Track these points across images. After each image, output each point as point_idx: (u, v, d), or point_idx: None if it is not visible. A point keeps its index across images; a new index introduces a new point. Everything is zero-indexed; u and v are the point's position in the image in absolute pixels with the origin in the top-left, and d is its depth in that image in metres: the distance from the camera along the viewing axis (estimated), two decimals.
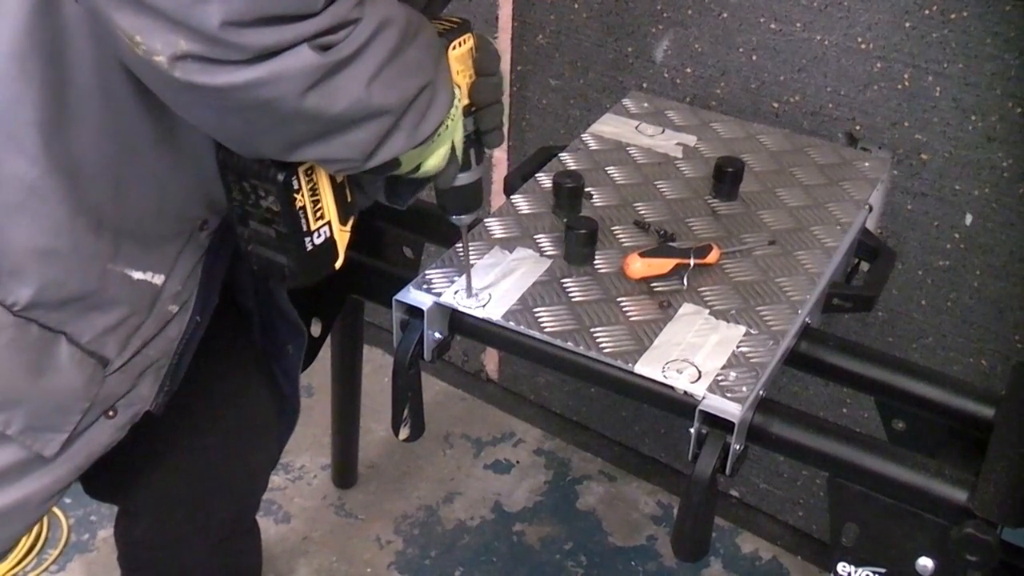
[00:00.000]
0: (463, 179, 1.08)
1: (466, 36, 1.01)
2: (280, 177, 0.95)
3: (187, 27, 0.77)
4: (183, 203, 1.05)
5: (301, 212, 0.98)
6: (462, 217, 1.14)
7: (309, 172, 0.97)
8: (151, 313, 1.07)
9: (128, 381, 1.08)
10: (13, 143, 0.91)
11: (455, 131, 1.01)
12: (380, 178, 1.09)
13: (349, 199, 1.04)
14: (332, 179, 1.00)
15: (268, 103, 0.82)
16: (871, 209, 1.47)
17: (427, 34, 0.94)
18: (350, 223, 1.05)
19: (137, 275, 1.03)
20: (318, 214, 1.00)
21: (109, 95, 0.93)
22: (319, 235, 1.01)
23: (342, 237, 1.04)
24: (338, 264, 1.05)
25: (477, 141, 1.07)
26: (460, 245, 1.26)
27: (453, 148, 1.03)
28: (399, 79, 0.89)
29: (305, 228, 0.99)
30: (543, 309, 1.21)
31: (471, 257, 1.27)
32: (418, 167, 1.01)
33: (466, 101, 1.02)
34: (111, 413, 1.08)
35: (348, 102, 0.85)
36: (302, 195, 0.97)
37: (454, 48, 0.99)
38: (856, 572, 1.14)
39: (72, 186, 0.94)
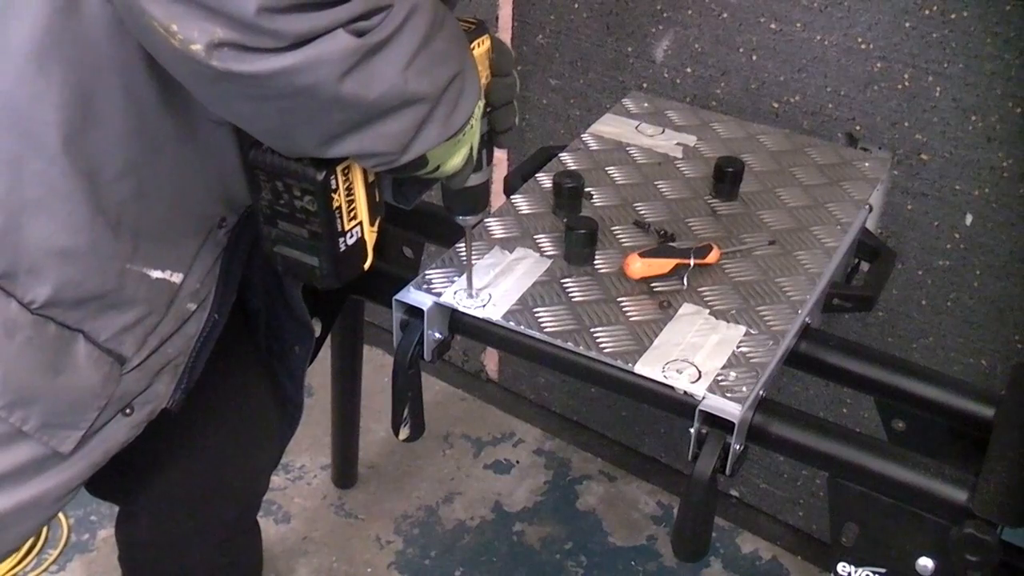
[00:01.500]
0: (473, 180, 1.08)
1: (484, 37, 1.01)
2: (320, 176, 0.94)
3: (223, 14, 0.77)
4: (203, 201, 1.05)
5: (337, 212, 0.97)
6: (468, 218, 1.14)
7: (346, 171, 0.96)
8: (169, 311, 1.07)
9: (145, 379, 1.08)
10: (32, 142, 0.91)
11: (477, 131, 1.01)
12: (389, 176, 1.09)
13: (378, 199, 1.03)
14: (365, 178, 1.00)
15: (306, 89, 0.82)
16: (871, 209, 1.47)
17: (452, 25, 0.94)
18: (377, 223, 1.04)
19: (156, 274, 1.03)
20: (352, 214, 0.99)
21: (132, 97, 0.93)
22: (351, 236, 1.00)
23: (371, 238, 1.03)
24: (367, 265, 1.04)
25: (490, 141, 1.07)
26: (461, 245, 1.26)
27: (471, 151, 1.03)
28: (431, 67, 0.89)
29: (339, 229, 0.98)
30: (543, 309, 1.21)
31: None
32: (438, 168, 1.01)
33: (482, 102, 1.02)
34: (128, 411, 1.08)
35: (384, 88, 0.85)
36: (339, 195, 0.96)
37: (473, 49, 0.99)
38: (856, 572, 1.14)
39: (93, 186, 0.94)
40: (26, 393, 0.98)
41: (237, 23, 0.77)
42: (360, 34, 0.82)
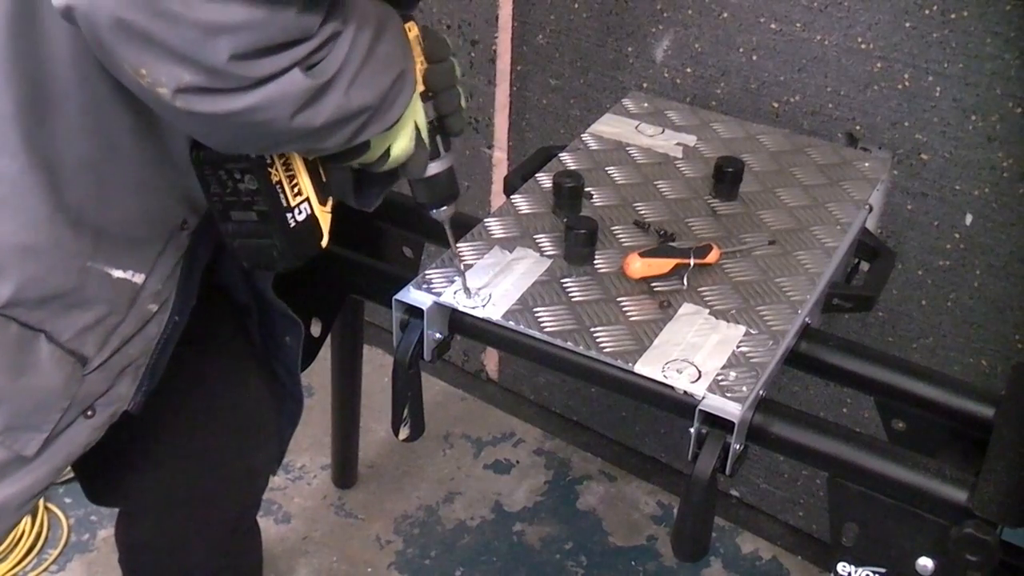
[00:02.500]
0: (433, 168, 1.09)
1: (410, 24, 1.02)
2: (252, 154, 0.97)
3: (193, 62, 0.79)
4: (165, 203, 1.06)
5: (278, 187, 1.00)
6: (441, 210, 1.14)
7: None
8: (131, 312, 1.07)
9: (107, 380, 1.08)
10: None
11: (416, 112, 1.02)
12: (350, 179, 1.10)
13: (324, 179, 1.05)
14: (304, 157, 1.02)
15: (261, 125, 0.85)
16: (871, 209, 1.47)
17: (394, 25, 0.96)
18: (330, 203, 1.06)
19: (117, 274, 1.03)
20: (295, 190, 1.02)
21: (88, 90, 0.93)
22: (300, 211, 1.02)
23: (324, 217, 1.05)
24: (323, 243, 1.06)
25: (441, 128, 1.08)
26: (460, 244, 1.26)
27: (419, 134, 1.03)
28: (374, 77, 0.91)
29: (285, 204, 1.01)
30: (543, 309, 1.21)
31: (470, 257, 1.27)
32: (387, 153, 1.02)
33: (422, 87, 1.03)
34: (89, 413, 1.08)
35: (330, 112, 0.88)
36: (276, 169, 0.99)
37: None
38: (856, 572, 1.14)
39: (53, 182, 0.94)
40: None
41: (206, 69, 0.79)
42: (311, 67, 0.84)
